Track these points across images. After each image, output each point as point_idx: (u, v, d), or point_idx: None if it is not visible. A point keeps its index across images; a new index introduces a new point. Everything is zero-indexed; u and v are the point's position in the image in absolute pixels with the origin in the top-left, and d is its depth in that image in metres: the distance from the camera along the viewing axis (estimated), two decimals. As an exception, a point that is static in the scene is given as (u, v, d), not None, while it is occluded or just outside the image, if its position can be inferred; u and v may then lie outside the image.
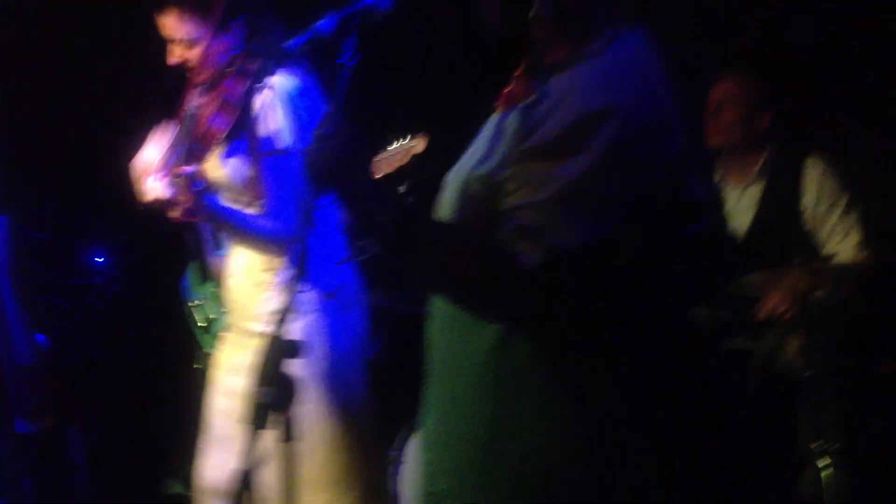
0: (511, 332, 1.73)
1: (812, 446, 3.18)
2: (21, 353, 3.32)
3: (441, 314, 1.84)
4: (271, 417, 1.54)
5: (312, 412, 2.58)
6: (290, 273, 2.57)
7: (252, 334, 2.63)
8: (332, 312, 2.67)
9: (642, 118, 1.62)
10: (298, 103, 2.57)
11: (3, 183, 3.40)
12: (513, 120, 1.74)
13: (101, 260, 4.19)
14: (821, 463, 3.15)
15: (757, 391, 3.41)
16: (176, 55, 2.62)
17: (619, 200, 1.62)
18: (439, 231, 1.73)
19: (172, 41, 2.61)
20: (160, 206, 2.49)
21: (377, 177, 3.53)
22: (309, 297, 2.63)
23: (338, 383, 2.65)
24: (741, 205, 3.79)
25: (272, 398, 1.54)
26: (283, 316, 1.61)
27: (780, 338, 3.56)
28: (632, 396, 1.74)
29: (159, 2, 2.58)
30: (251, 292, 2.68)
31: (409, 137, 3.51)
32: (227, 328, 2.78)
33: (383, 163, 3.56)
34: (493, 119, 1.83)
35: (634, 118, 1.61)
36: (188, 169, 2.47)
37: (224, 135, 2.52)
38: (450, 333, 1.82)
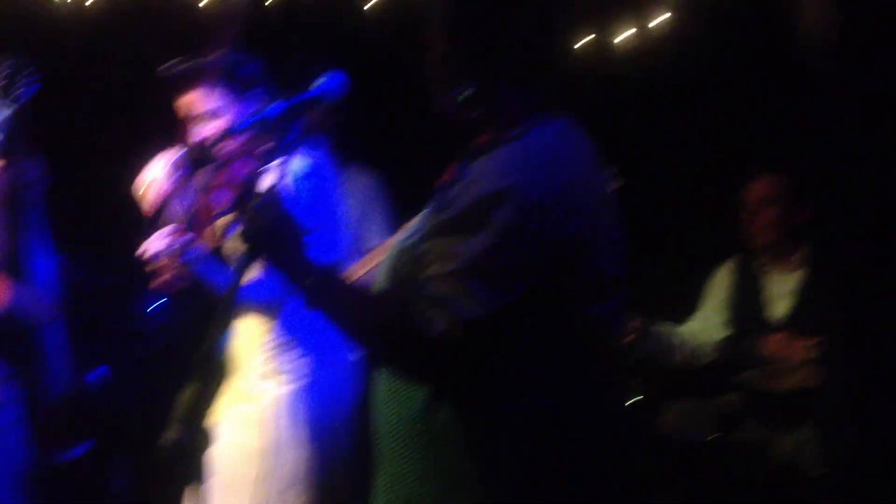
0: (436, 396, 1.83)
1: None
2: (61, 383, 3.54)
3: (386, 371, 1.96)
4: (184, 458, 1.67)
5: (293, 471, 2.71)
6: (281, 338, 2.77)
7: (249, 391, 2.81)
8: (322, 381, 2.81)
9: (542, 202, 1.71)
10: (302, 184, 2.71)
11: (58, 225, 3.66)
12: (436, 198, 1.88)
13: (155, 307, 4.41)
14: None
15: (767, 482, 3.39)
16: (201, 131, 2.80)
17: (517, 275, 1.71)
18: (353, 296, 1.84)
19: (197, 118, 2.81)
20: (155, 268, 2.69)
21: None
22: (300, 363, 2.79)
23: (319, 449, 2.76)
24: (782, 291, 3.84)
25: (185, 437, 1.66)
26: (206, 362, 1.72)
27: (793, 430, 3.56)
28: (542, 469, 1.79)
29: (184, 84, 2.79)
30: (250, 352, 2.84)
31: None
32: (231, 381, 2.93)
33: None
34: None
35: (533, 200, 1.70)
36: (184, 238, 2.67)
37: (220, 211, 2.70)
38: (391, 391, 1.93)
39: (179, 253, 2.65)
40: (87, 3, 4.60)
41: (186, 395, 1.69)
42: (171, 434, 1.65)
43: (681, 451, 3.34)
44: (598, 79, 4.60)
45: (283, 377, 2.78)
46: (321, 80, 2.00)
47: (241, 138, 2.72)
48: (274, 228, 1.79)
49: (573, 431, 1.82)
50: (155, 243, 2.70)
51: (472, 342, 1.72)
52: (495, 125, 1.88)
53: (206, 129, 2.81)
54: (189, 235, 2.69)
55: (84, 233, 3.06)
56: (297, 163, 2.75)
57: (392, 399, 1.92)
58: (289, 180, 2.69)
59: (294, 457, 2.72)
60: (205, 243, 2.78)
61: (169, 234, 2.71)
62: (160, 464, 1.65)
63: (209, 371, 1.75)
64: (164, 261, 2.67)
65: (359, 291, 1.88)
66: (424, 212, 1.97)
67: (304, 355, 2.80)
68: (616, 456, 1.91)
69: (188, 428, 1.66)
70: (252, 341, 2.84)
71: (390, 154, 4.34)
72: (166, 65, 2.81)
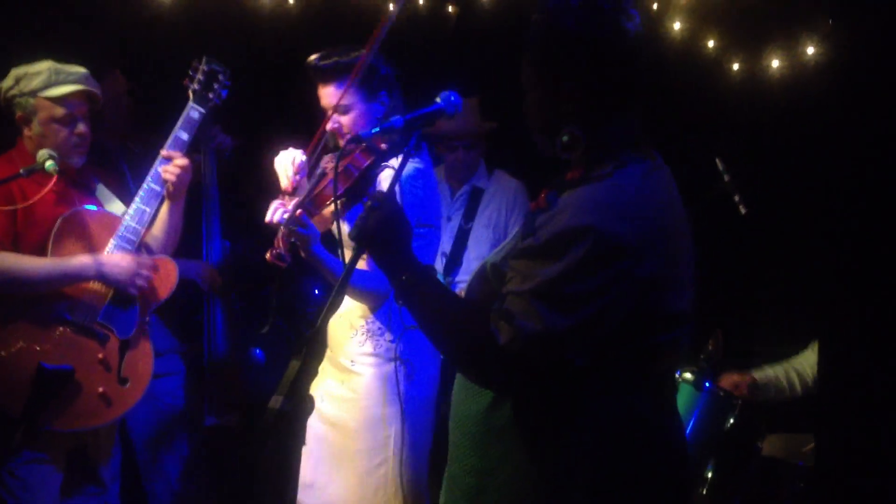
0: (499, 398, 2.03)
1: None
2: (219, 357, 3.88)
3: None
4: (284, 422, 1.90)
5: (385, 446, 3.00)
6: (375, 323, 3.00)
7: (343, 369, 3.07)
8: (413, 363, 3.04)
9: (619, 242, 1.85)
10: (413, 183, 2.95)
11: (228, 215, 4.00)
12: (526, 222, 2.06)
13: (319, 293, 4.71)
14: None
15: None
16: (332, 121, 3.06)
17: (581, 304, 1.85)
18: (437, 298, 2.04)
19: (330, 108, 3.06)
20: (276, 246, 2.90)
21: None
22: (392, 346, 3.03)
23: (409, 426, 3.02)
24: None
25: (287, 407, 1.89)
26: (307, 344, 1.94)
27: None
28: (594, 473, 1.96)
29: (322, 76, 3.05)
30: (346, 332, 3.09)
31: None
32: (327, 359, 3.18)
33: None
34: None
35: (610, 240, 1.84)
36: (305, 217, 2.85)
37: (331, 198, 2.87)
38: (463, 388, 2.15)
39: (298, 223, 2.82)
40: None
41: (292, 367, 1.92)
42: (274, 402, 1.87)
43: (783, 475, 3.38)
44: (750, 106, 4.64)
45: (376, 359, 3.03)
46: (440, 98, 2.24)
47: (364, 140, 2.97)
48: (380, 230, 2.02)
49: (627, 449, 1.96)
50: (276, 211, 2.91)
51: (535, 356, 1.88)
52: (586, 162, 2.03)
53: (339, 120, 3.07)
54: (304, 214, 2.86)
55: (252, 220, 3.33)
56: (407, 167, 2.96)
57: (464, 394, 2.13)
58: (398, 184, 2.93)
59: (385, 434, 3.00)
60: (318, 224, 2.99)
61: (287, 206, 2.91)
62: (265, 429, 1.88)
63: (314, 347, 1.94)
64: (281, 231, 2.85)
65: (444, 295, 2.07)
66: (515, 232, 2.16)
67: (395, 339, 3.03)
68: (670, 473, 2.04)
69: (290, 398, 1.89)
70: (349, 321, 3.08)
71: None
72: (312, 57, 3.06)
